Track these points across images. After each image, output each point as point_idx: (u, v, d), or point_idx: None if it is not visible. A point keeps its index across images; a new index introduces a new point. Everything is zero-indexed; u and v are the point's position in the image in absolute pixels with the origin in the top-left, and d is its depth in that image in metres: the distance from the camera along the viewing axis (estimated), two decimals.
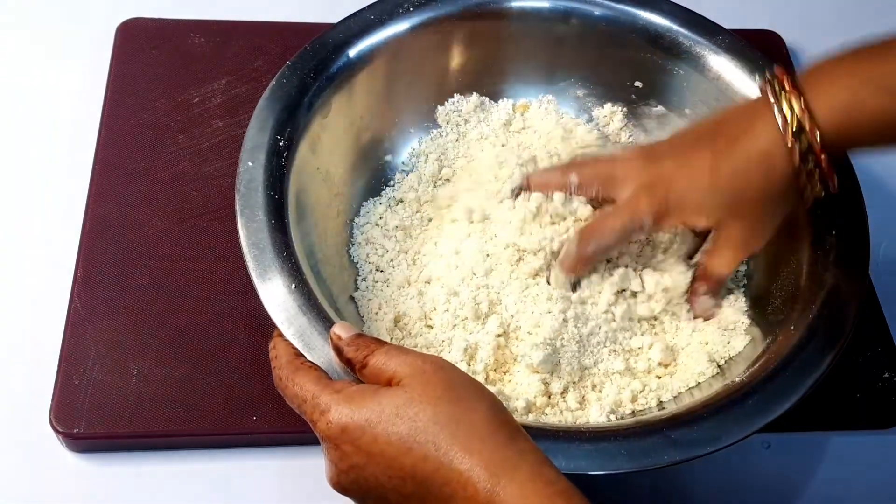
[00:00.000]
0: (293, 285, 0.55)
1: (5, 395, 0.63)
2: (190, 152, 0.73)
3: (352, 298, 0.64)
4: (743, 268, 0.67)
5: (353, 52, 0.67)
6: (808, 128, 0.54)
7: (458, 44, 0.72)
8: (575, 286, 0.63)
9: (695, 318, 0.64)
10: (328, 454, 0.47)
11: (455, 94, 0.74)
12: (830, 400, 0.67)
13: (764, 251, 0.66)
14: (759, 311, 0.64)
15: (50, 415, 0.60)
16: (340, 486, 0.47)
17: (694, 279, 0.64)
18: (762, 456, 0.65)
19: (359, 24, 0.68)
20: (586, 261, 0.62)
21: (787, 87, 0.55)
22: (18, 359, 0.64)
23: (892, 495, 0.65)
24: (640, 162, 0.61)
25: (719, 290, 0.64)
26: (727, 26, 0.72)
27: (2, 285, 0.67)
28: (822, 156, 0.55)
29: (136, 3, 0.83)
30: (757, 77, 0.58)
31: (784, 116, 0.55)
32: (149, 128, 0.74)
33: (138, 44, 0.79)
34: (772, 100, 0.55)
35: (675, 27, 0.71)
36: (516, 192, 0.65)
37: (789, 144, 0.55)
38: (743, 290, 0.66)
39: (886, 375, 0.68)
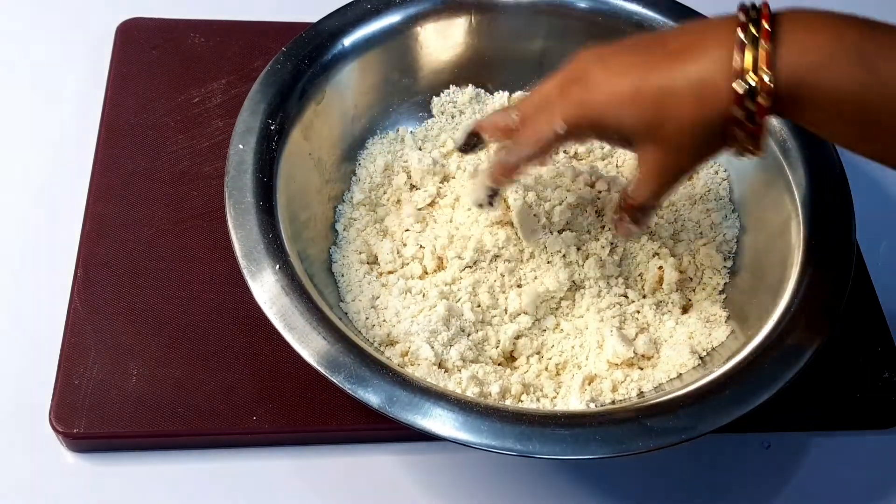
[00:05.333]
0: (277, 266, 0.56)
1: (5, 395, 0.63)
2: (190, 152, 0.73)
3: (335, 280, 0.65)
4: (729, 263, 0.67)
5: (347, 41, 0.68)
6: (763, 68, 0.46)
7: (453, 35, 0.73)
8: (491, 201, 0.61)
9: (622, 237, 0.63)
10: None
11: (451, 85, 0.74)
12: (830, 400, 0.67)
13: (750, 245, 0.67)
14: (743, 303, 0.65)
15: (50, 415, 0.60)
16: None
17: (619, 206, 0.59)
18: (762, 456, 0.65)
19: (355, 13, 0.69)
20: (509, 171, 0.57)
21: (761, 26, 0.47)
22: (18, 359, 0.64)
23: (893, 495, 0.65)
24: (569, 62, 0.54)
25: (642, 218, 0.58)
26: None
27: (2, 285, 0.67)
28: (766, 103, 0.47)
29: (136, 3, 0.83)
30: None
31: (742, 52, 0.47)
32: (149, 128, 0.74)
33: (138, 44, 0.79)
34: (739, 31, 0.47)
35: (669, 22, 0.71)
36: (465, 144, 0.62)
37: (734, 84, 0.47)
38: (724, 282, 0.67)
39: (886, 375, 0.68)
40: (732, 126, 0.49)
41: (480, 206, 0.62)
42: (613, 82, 0.51)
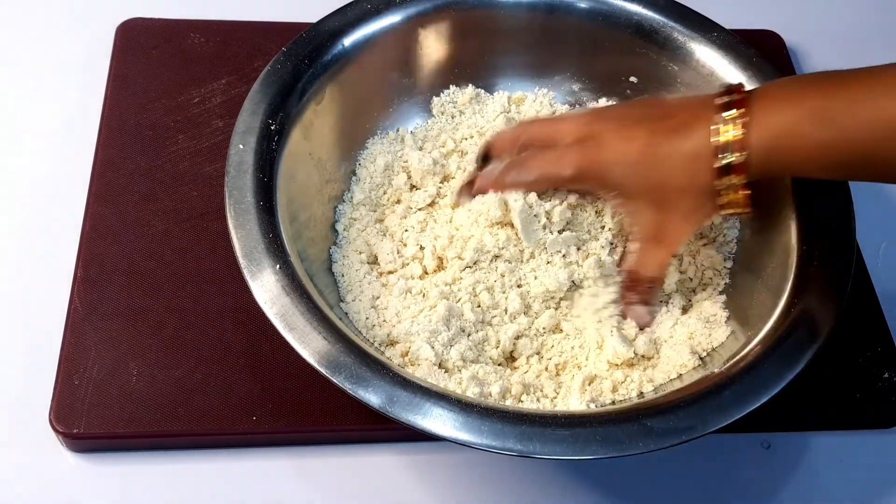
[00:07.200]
0: (277, 266, 0.56)
1: (5, 395, 0.63)
2: (190, 152, 0.73)
3: (335, 280, 0.65)
4: (729, 263, 0.67)
5: (348, 41, 0.68)
6: (735, 150, 0.55)
7: (453, 35, 0.73)
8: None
9: (638, 326, 0.64)
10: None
11: (451, 86, 0.74)
12: (830, 400, 0.67)
13: (750, 246, 0.67)
14: (743, 304, 0.64)
15: (50, 415, 0.60)
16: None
17: (625, 287, 0.64)
18: (762, 456, 0.65)
19: (355, 13, 0.69)
20: (501, 186, 0.63)
21: (738, 108, 0.55)
22: (18, 359, 0.64)
23: (893, 495, 0.65)
24: (585, 119, 0.63)
25: (651, 295, 0.64)
26: (727, 26, 0.72)
27: (2, 285, 0.67)
28: (740, 179, 0.55)
29: (136, 3, 0.83)
30: (719, 86, 0.58)
31: (719, 131, 0.55)
32: (149, 128, 0.74)
33: (138, 44, 0.79)
34: (719, 114, 0.55)
35: (670, 23, 0.71)
36: (483, 162, 0.67)
37: (716, 161, 0.55)
38: (725, 283, 0.67)
39: (886, 375, 0.68)
40: (718, 194, 0.57)
41: (459, 200, 0.66)
42: (624, 146, 0.59)
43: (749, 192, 0.56)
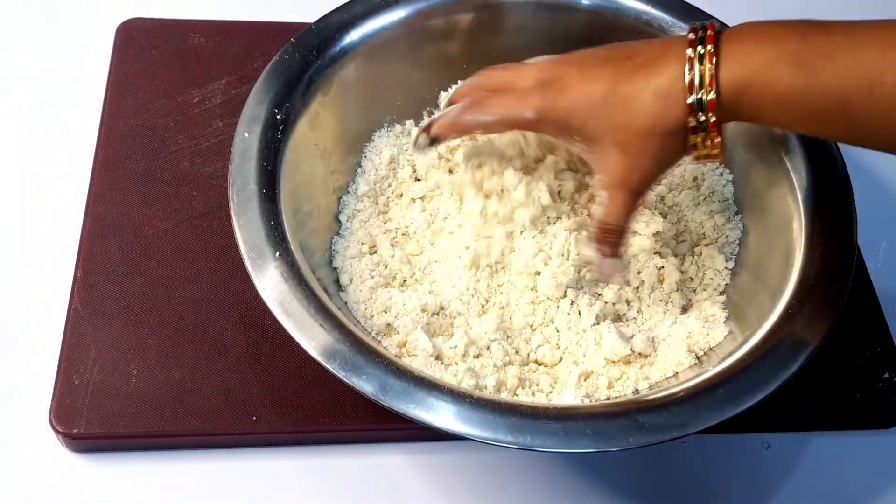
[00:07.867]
0: (278, 254, 0.56)
1: (5, 395, 0.63)
2: (190, 152, 0.73)
3: (336, 269, 0.65)
4: (730, 264, 0.67)
5: (356, 34, 0.68)
6: (707, 85, 0.52)
7: (461, 31, 0.73)
8: (433, 142, 0.62)
9: (602, 279, 0.63)
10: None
11: (458, 80, 0.74)
12: (830, 400, 0.67)
13: (751, 246, 0.67)
14: (743, 304, 0.64)
15: (50, 415, 0.60)
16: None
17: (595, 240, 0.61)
18: (762, 456, 0.65)
19: (364, 7, 0.69)
20: (459, 128, 0.61)
21: (707, 44, 0.53)
22: (18, 359, 0.64)
23: (893, 495, 0.65)
24: (548, 63, 0.60)
25: (619, 243, 0.60)
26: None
27: (2, 285, 0.67)
28: (713, 117, 0.53)
29: (136, 3, 0.83)
30: (691, 24, 0.55)
31: (692, 66, 0.53)
32: (149, 128, 0.74)
33: (138, 44, 0.79)
34: (688, 49, 0.53)
35: (679, 22, 0.71)
36: (428, 140, 0.62)
37: (687, 96, 0.53)
38: (725, 283, 0.67)
39: (886, 375, 0.68)
40: (690, 133, 0.55)
41: (417, 149, 0.63)
42: (587, 87, 0.56)
43: (720, 136, 0.54)
